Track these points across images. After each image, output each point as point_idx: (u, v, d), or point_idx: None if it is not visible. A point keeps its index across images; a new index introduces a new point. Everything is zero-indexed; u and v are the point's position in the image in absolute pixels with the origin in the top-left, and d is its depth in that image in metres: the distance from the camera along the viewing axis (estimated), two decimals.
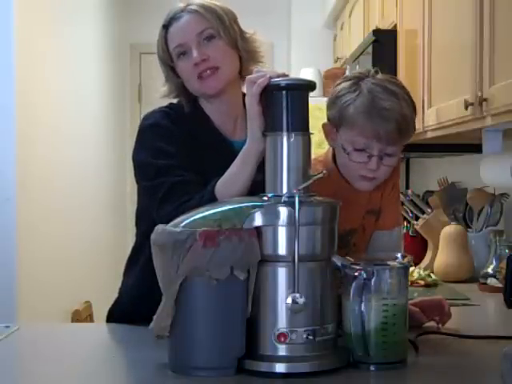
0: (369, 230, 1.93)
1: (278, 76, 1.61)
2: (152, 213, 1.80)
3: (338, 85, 1.79)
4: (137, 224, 2.01)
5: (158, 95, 1.97)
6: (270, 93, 1.59)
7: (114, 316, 2.02)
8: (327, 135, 1.81)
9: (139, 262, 1.93)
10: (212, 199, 1.69)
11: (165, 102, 1.97)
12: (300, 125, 1.56)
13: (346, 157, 1.76)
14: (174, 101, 1.96)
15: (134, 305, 1.94)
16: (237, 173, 1.70)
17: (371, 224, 1.92)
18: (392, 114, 1.70)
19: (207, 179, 1.75)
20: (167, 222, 1.58)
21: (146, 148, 1.86)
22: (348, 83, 1.75)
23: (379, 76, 1.77)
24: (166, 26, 1.89)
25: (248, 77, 1.66)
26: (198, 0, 1.90)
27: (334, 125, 1.77)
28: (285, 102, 1.55)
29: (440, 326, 1.88)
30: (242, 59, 1.91)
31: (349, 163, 1.76)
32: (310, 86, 1.60)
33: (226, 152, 1.85)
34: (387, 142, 1.72)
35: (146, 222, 1.85)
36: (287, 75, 1.63)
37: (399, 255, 1.63)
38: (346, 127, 1.74)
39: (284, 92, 1.55)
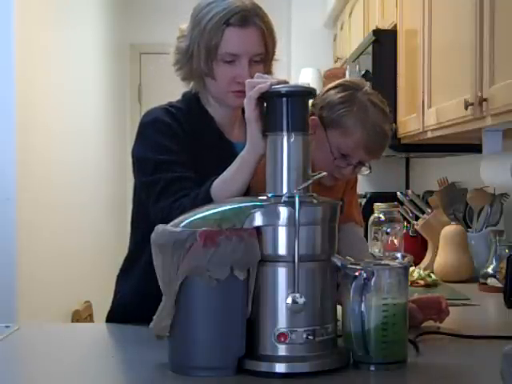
0: None
1: (279, 83, 1.60)
2: (148, 208, 1.80)
3: (330, 89, 1.88)
4: (133, 225, 2.00)
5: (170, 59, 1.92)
6: (270, 99, 1.59)
7: (113, 317, 2.02)
8: (311, 128, 1.83)
9: (139, 262, 1.93)
10: (207, 198, 1.68)
11: (164, 102, 1.97)
12: (300, 125, 1.56)
13: (325, 154, 1.83)
14: (174, 100, 1.96)
15: (134, 305, 1.94)
16: (234, 174, 1.69)
17: None
18: (382, 131, 1.85)
19: (205, 178, 1.74)
20: (162, 217, 1.58)
21: (146, 143, 1.85)
22: (345, 93, 1.85)
23: (369, 90, 1.88)
24: (227, 22, 1.82)
25: (248, 80, 1.66)
26: (262, 12, 1.86)
27: (322, 123, 1.84)
28: (285, 107, 1.55)
29: (438, 323, 1.89)
30: None
31: (327, 161, 1.83)
32: (310, 93, 1.61)
33: (226, 152, 1.85)
34: (373, 154, 1.87)
35: (144, 222, 1.84)
36: (287, 82, 1.63)
37: (399, 255, 1.63)
38: (337, 132, 1.84)
39: (284, 99, 1.55)
